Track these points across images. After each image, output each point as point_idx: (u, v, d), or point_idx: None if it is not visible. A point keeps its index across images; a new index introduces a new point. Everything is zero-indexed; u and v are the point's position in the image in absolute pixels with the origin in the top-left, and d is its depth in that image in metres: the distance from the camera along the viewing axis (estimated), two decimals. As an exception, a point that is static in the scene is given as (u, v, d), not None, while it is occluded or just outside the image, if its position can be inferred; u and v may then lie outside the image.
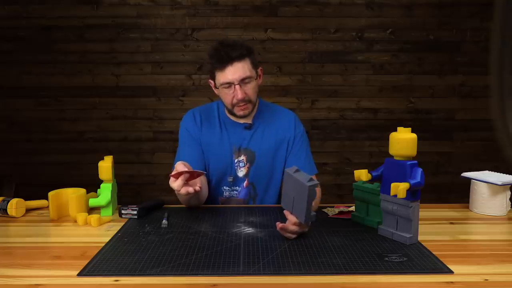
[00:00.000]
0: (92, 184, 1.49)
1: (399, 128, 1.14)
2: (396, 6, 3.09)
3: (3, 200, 1.35)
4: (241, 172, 1.54)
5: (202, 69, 3.13)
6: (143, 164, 3.22)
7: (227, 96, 1.45)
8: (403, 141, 1.11)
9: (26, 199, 1.40)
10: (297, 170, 1.14)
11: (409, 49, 3.13)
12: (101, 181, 1.37)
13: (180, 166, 1.24)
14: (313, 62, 3.14)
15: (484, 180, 1.38)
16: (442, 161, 3.24)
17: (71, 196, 1.33)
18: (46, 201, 1.41)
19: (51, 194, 1.33)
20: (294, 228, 1.12)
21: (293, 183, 1.13)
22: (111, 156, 1.37)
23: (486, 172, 1.48)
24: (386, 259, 1.02)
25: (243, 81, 1.43)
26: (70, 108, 3.15)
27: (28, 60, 3.09)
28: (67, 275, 0.94)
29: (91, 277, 0.93)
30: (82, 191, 1.38)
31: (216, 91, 1.51)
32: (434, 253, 1.05)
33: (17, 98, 3.13)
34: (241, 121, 1.54)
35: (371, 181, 1.21)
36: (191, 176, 1.25)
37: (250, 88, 1.45)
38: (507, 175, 1.42)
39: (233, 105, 1.46)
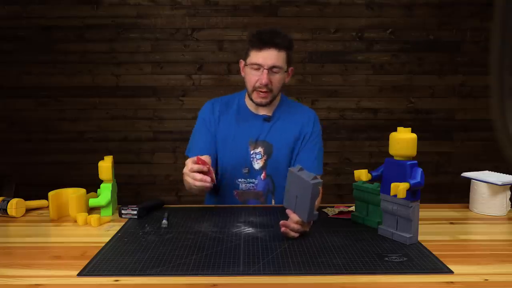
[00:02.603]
0: (92, 184, 1.49)
1: (399, 128, 1.14)
2: (396, 6, 3.09)
3: (3, 200, 1.35)
4: (257, 164, 1.54)
5: (202, 69, 3.13)
6: (143, 164, 3.22)
7: (252, 78, 1.47)
8: (403, 141, 1.11)
9: (26, 199, 1.39)
10: (300, 169, 1.16)
11: (409, 49, 3.13)
12: (101, 181, 1.37)
13: (207, 158, 1.29)
14: (313, 62, 3.14)
15: (484, 180, 1.38)
16: (442, 161, 3.24)
17: (71, 196, 1.33)
18: (46, 201, 1.40)
19: (51, 194, 1.32)
20: (296, 226, 1.12)
21: (296, 181, 1.14)
22: (111, 156, 1.37)
23: (486, 172, 1.48)
24: (386, 259, 1.02)
25: (272, 69, 1.46)
26: (70, 108, 3.14)
27: (28, 60, 3.09)
28: (67, 275, 0.94)
29: (91, 277, 0.93)
30: (82, 191, 1.38)
31: (242, 72, 1.55)
32: (434, 253, 1.05)
33: (17, 98, 3.13)
34: (261, 112, 1.56)
35: (371, 181, 1.21)
36: (208, 172, 1.28)
37: (276, 79, 1.48)
38: (507, 175, 1.42)
39: (254, 89, 1.48)
